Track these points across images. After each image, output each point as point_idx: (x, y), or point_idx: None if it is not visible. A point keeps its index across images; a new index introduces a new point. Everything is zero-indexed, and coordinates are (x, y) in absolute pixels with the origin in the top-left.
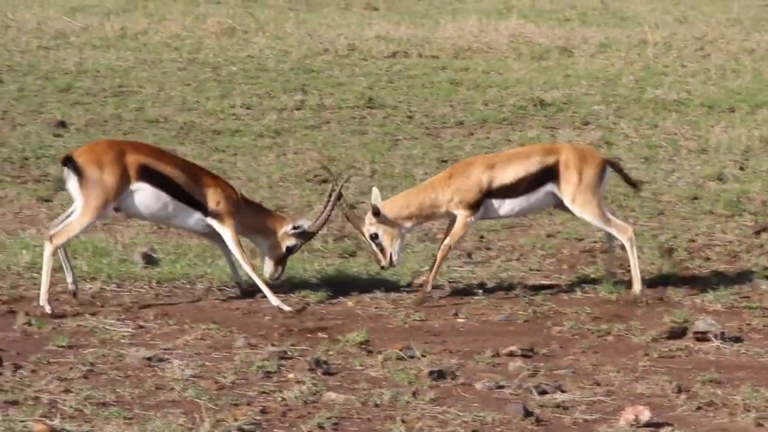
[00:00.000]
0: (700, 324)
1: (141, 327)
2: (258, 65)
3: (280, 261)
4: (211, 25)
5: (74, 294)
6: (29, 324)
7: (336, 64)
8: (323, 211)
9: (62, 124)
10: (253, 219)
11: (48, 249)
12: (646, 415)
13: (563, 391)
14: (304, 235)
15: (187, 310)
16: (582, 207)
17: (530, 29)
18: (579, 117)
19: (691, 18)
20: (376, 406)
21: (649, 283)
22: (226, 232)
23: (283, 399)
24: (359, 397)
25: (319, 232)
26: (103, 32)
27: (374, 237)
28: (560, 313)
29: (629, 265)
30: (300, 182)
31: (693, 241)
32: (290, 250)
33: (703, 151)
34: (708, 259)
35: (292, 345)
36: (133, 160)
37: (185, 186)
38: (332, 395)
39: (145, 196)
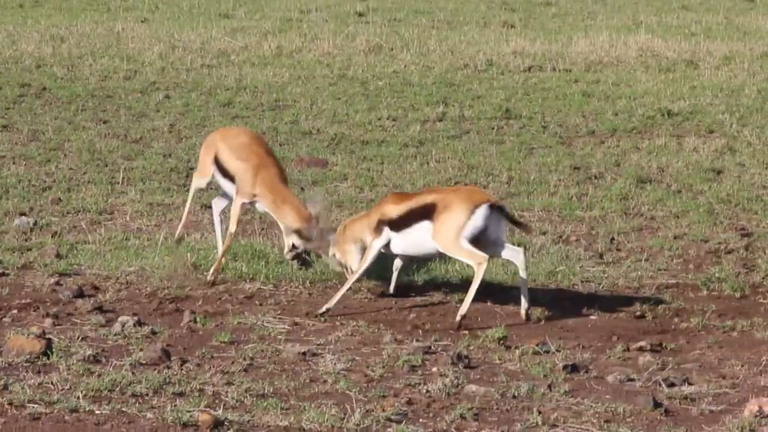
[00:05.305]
0: None
1: (296, 324)
2: (403, 80)
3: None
4: (360, 43)
5: None
6: (194, 322)
7: (475, 78)
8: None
9: None
10: None
11: None
12: None
13: (690, 384)
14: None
15: (338, 309)
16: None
17: (658, 43)
18: (704, 126)
19: None
20: (514, 397)
21: None
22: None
23: (428, 391)
24: (498, 389)
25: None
26: (260, 51)
27: None
28: (687, 311)
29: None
30: None
31: None
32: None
33: None
34: None
35: (436, 341)
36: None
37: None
38: (473, 387)
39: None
